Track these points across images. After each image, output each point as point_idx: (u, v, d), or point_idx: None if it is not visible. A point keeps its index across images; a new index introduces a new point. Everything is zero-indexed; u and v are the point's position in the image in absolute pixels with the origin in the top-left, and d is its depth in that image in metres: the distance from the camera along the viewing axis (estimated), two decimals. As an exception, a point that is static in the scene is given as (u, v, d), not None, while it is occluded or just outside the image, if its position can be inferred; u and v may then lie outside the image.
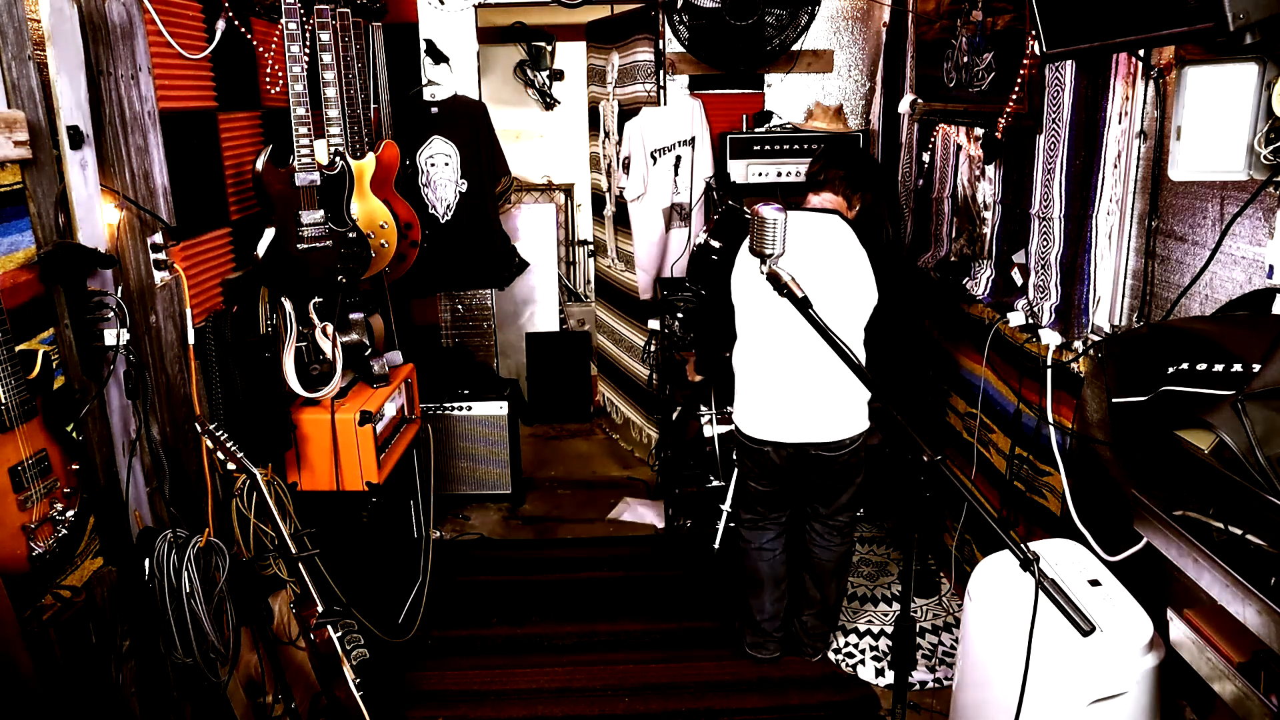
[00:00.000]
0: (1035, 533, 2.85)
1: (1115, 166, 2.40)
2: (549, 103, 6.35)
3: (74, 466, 1.98)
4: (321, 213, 2.93)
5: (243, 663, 2.57)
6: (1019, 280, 2.92)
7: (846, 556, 3.15)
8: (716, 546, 3.55)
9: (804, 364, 2.78)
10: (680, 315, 3.97)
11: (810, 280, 2.74)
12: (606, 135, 4.78)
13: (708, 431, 3.69)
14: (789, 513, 3.14)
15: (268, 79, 3.21)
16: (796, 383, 2.82)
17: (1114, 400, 1.88)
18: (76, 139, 2.10)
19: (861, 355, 2.84)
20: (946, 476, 1.63)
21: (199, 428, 2.49)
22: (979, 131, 3.15)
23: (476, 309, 4.92)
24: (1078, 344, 2.60)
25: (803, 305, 1.84)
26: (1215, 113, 1.80)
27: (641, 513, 4.40)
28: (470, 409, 4.35)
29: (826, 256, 2.81)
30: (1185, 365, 1.69)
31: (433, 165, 4.27)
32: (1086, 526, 2.40)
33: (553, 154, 6.51)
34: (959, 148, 3.42)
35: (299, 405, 3.07)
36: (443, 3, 4.34)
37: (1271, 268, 1.85)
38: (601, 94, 4.83)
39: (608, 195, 4.89)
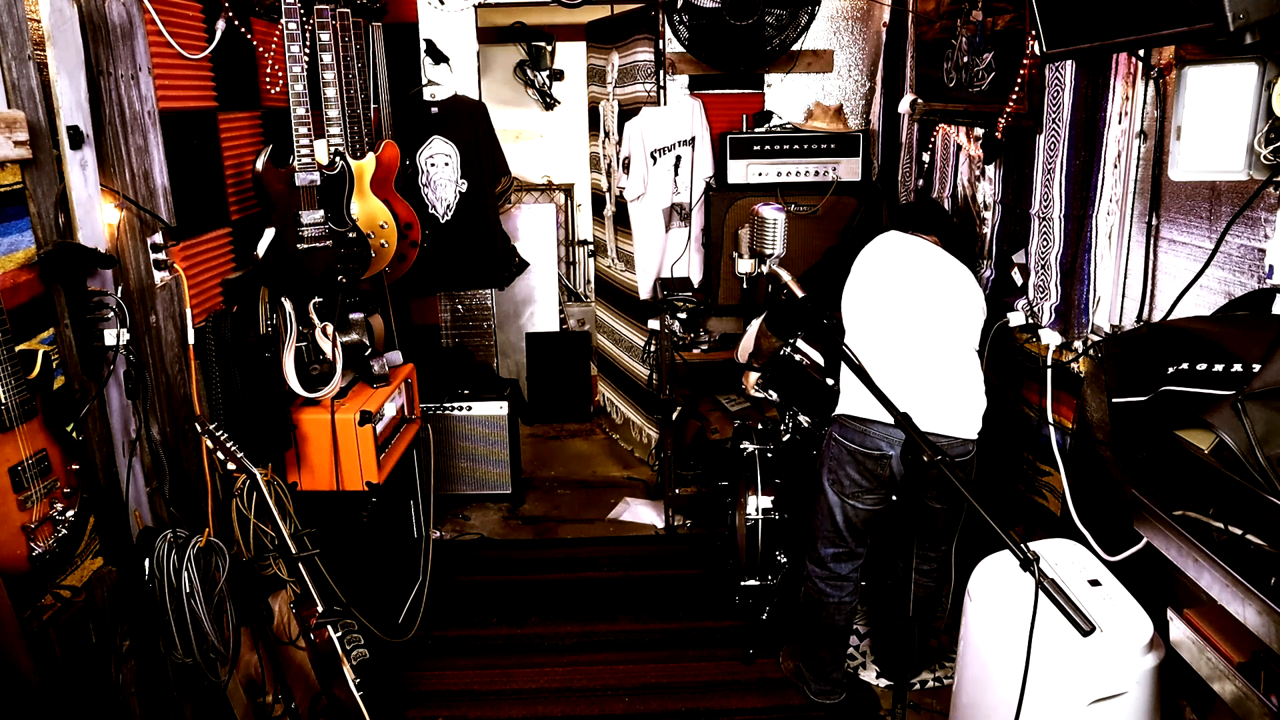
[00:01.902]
0: (1035, 533, 2.85)
1: (1115, 166, 2.40)
2: (549, 103, 6.35)
3: (74, 466, 1.98)
4: (321, 213, 2.93)
5: (243, 663, 2.57)
6: (1019, 280, 2.92)
7: (939, 591, 2.96)
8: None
9: (926, 354, 2.65)
10: (681, 315, 3.95)
11: (938, 299, 2.71)
12: (606, 135, 4.78)
13: (751, 512, 3.09)
14: (868, 549, 2.86)
15: (268, 79, 3.21)
16: (922, 370, 2.62)
17: (1114, 400, 1.88)
18: (76, 139, 2.10)
19: (980, 386, 2.69)
20: (947, 476, 1.64)
21: (199, 428, 2.49)
22: (979, 131, 3.15)
23: (476, 309, 4.92)
24: (1078, 344, 2.60)
25: (803, 305, 1.84)
26: (1215, 113, 1.80)
27: (641, 513, 4.40)
28: (470, 409, 4.35)
29: (948, 278, 2.77)
30: (1185, 365, 1.69)
31: (433, 165, 4.27)
32: (1086, 526, 2.40)
33: (553, 154, 6.51)
34: (959, 148, 3.42)
35: (299, 405, 3.07)
36: (443, 3, 4.34)
37: (1271, 268, 1.85)
38: (601, 94, 4.84)
39: (608, 195, 4.89)
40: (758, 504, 3.14)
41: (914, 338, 2.68)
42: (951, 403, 2.63)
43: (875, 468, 2.63)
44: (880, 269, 2.79)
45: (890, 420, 2.51)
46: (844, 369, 2.76)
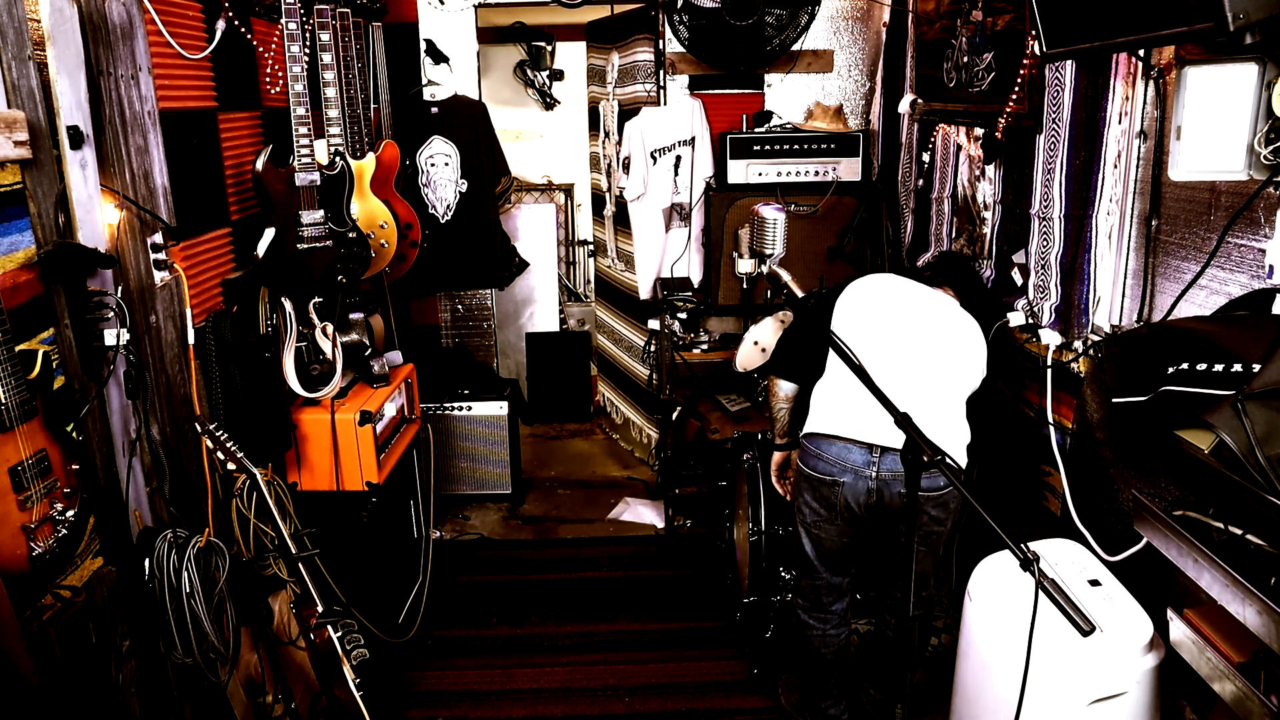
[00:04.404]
0: (1035, 533, 2.85)
1: (1115, 166, 2.40)
2: (549, 103, 6.35)
3: (74, 466, 1.98)
4: (321, 213, 2.93)
5: (243, 663, 2.57)
6: (1019, 280, 2.92)
7: (926, 628, 2.86)
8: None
9: (905, 388, 2.44)
10: (681, 315, 3.95)
11: (917, 343, 2.54)
12: (606, 135, 4.78)
13: (754, 525, 2.92)
14: (851, 579, 2.73)
15: (268, 79, 3.21)
16: (894, 393, 2.24)
17: (1114, 400, 1.88)
18: (76, 139, 2.10)
19: (961, 422, 2.56)
20: (947, 476, 1.63)
21: (199, 428, 2.49)
22: (979, 131, 3.15)
23: (476, 309, 4.92)
24: (1078, 344, 2.60)
25: (802, 303, 1.85)
26: (1215, 113, 1.80)
27: (641, 512, 4.40)
28: (470, 409, 4.35)
29: (943, 322, 2.62)
30: (1185, 365, 1.69)
31: (433, 165, 4.27)
32: (1086, 526, 2.40)
33: (553, 154, 6.51)
34: (959, 148, 3.42)
35: (299, 405, 3.07)
36: (443, 3, 4.34)
37: (1271, 268, 1.85)
38: (601, 94, 4.83)
39: (608, 195, 4.89)
40: (760, 517, 3.00)
41: (893, 369, 2.49)
42: (924, 422, 2.38)
43: (829, 494, 2.54)
44: (863, 299, 2.66)
45: (852, 436, 2.48)
46: (816, 389, 2.65)
